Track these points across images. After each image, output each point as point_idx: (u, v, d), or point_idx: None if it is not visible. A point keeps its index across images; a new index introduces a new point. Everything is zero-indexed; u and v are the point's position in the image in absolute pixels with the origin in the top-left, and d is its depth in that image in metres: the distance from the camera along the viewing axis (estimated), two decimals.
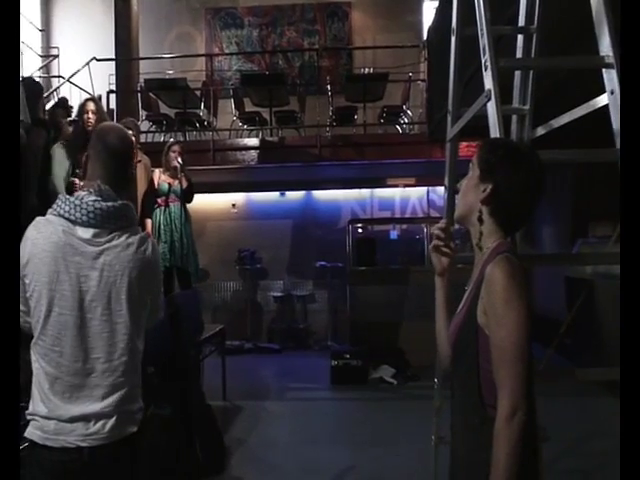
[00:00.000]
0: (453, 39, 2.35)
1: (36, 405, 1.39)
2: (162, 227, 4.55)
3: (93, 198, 1.41)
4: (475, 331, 1.15)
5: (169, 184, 4.59)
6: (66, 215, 1.40)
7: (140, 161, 4.39)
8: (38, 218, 1.43)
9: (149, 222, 4.61)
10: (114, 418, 1.38)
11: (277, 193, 7.62)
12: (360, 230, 7.14)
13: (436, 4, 6.09)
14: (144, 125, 6.92)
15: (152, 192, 4.68)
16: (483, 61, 1.80)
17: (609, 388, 4.39)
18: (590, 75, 1.77)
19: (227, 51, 8.84)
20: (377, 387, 5.10)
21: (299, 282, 7.52)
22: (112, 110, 6.82)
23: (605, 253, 2.16)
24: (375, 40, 8.59)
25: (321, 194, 7.62)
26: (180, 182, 4.57)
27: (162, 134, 7.01)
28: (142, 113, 6.97)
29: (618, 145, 1.65)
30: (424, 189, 7.51)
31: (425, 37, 6.80)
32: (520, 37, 2.24)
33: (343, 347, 6.03)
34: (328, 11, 8.81)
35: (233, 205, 7.60)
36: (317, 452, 3.56)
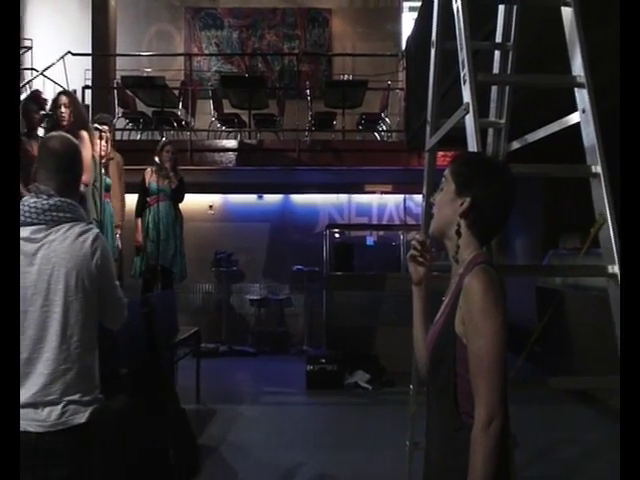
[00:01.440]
0: (433, 51, 2.39)
1: None
2: (150, 226, 4.55)
3: (33, 200, 1.51)
4: (453, 340, 1.18)
5: (158, 183, 4.58)
6: None
7: (112, 158, 4.33)
8: None
9: (139, 221, 4.61)
10: (59, 406, 1.45)
11: (255, 196, 7.59)
12: (337, 235, 7.17)
13: (415, 15, 6.19)
14: (120, 122, 6.81)
15: (143, 191, 4.66)
16: (462, 75, 1.84)
17: (577, 395, 4.52)
18: (565, 90, 1.83)
19: (206, 51, 8.79)
20: (352, 392, 5.11)
21: (276, 286, 7.49)
22: (87, 106, 6.70)
23: (576, 266, 2.25)
24: (354, 47, 8.67)
25: (299, 198, 7.62)
26: (170, 182, 4.58)
27: (139, 132, 6.93)
28: (118, 110, 6.87)
29: (589, 161, 1.72)
30: (401, 196, 7.58)
31: (404, 47, 6.90)
32: (497, 52, 2.31)
33: (319, 352, 6.04)
34: (309, 17, 8.85)
35: (210, 207, 7.54)
36: (292, 457, 3.56)
